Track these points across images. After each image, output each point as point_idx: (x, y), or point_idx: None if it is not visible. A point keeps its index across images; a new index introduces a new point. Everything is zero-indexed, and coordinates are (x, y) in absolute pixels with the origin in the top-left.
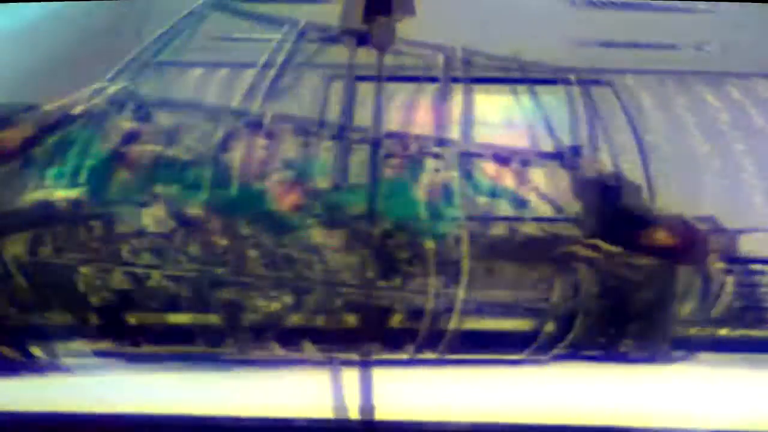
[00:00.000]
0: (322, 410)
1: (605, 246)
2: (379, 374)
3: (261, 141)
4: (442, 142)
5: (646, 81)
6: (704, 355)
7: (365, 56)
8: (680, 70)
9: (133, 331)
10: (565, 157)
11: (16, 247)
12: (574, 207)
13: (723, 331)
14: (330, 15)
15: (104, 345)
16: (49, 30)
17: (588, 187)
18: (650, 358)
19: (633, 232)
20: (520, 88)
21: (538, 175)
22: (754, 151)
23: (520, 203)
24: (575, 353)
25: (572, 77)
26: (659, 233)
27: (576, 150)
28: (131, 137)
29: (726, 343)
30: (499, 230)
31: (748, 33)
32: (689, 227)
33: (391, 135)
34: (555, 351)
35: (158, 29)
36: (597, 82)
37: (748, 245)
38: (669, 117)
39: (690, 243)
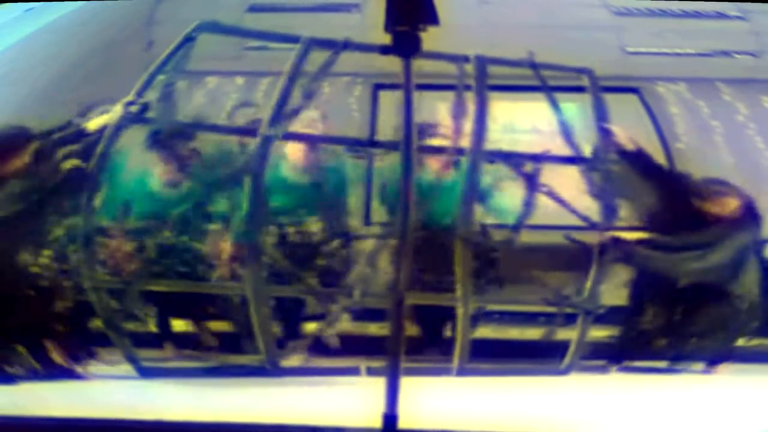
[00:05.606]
0: (348, 418)
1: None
2: (406, 383)
3: None
4: (463, 149)
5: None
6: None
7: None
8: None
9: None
10: (600, 136)
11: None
12: (595, 210)
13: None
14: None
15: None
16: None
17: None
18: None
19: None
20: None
21: (560, 177)
22: None
23: (543, 210)
24: (619, 363)
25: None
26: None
27: (606, 131)
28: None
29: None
30: (523, 237)
31: None
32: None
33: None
34: (595, 361)
35: (167, 37)
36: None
37: None
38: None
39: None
